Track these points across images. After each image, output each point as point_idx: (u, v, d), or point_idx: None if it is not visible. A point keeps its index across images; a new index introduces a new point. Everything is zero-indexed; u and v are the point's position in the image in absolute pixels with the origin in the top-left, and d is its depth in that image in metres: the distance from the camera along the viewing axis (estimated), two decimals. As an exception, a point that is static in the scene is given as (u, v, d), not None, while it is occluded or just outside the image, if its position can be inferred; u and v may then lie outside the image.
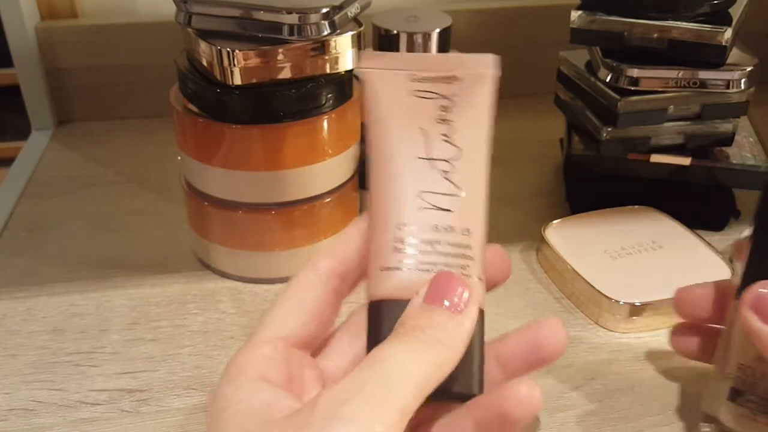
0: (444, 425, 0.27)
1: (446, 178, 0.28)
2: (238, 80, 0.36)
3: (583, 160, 0.47)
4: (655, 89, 0.43)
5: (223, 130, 0.38)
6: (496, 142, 0.29)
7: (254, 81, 0.37)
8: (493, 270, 0.28)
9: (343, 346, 0.29)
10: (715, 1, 0.42)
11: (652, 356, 0.38)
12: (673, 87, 0.43)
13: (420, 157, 0.28)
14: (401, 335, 0.25)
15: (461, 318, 0.25)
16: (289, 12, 0.36)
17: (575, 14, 0.43)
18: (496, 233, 0.46)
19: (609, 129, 0.45)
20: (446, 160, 0.28)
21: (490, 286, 0.28)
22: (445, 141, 0.28)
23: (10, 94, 0.73)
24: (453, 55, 0.29)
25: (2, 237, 0.47)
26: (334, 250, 0.29)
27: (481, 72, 0.28)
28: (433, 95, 0.28)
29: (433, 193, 0.27)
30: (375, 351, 0.24)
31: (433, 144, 0.28)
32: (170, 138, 0.42)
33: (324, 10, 0.36)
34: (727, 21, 0.41)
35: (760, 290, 0.30)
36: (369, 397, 0.22)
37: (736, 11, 0.43)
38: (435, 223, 0.27)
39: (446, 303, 0.25)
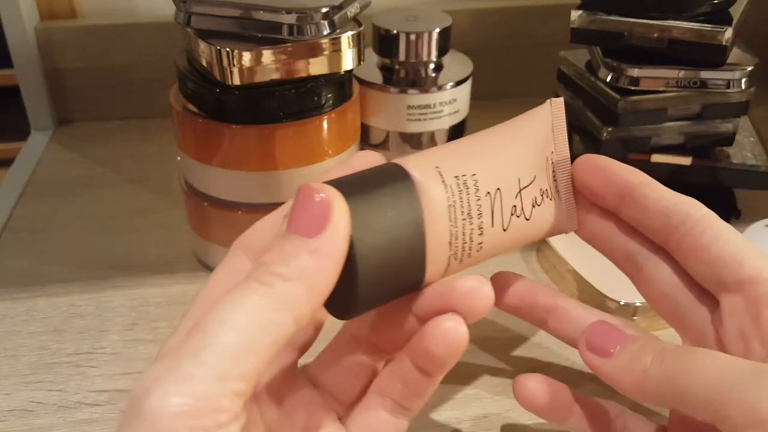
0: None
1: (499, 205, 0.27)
2: (237, 80, 0.36)
3: (584, 160, 0.47)
4: (656, 89, 0.43)
5: (223, 130, 0.38)
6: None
7: (254, 81, 0.37)
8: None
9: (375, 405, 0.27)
10: (716, 1, 0.42)
11: (653, 356, 0.38)
12: (674, 87, 0.43)
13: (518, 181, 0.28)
14: (240, 288, 0.21)
15: (316, 243, 0.21)
16: (289, 12, 0.36)
17: (575, 14, 0.43)
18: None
19: (609, 129, 0.45)
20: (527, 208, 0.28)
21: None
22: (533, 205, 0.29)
23: (10, 95, 0.73)
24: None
25: (2, 237, 0.47)
26: None
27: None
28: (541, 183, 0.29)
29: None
30: (207, 319, 0.20)
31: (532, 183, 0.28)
32: (170, 138, 0.42)
33: (324, 10, 0.36)
34: (727, 21, 0.41)
35: (588, 328, 0.27)
36: (202, 379, 0.20)
37: (736, 11, 0.43)
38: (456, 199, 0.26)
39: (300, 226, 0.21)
